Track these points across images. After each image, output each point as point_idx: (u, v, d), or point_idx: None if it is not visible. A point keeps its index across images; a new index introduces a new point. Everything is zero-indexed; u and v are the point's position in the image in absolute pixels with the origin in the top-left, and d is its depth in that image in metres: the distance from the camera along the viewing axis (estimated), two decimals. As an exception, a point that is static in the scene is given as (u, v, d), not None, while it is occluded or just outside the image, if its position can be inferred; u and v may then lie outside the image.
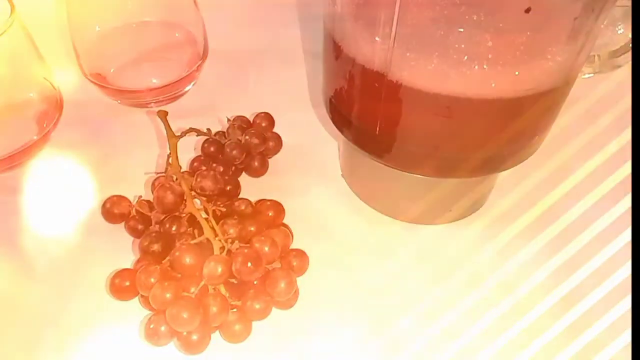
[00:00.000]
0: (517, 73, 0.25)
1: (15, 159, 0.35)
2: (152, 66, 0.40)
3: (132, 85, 0.39)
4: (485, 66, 0.25)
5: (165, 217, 0.30)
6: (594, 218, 0.35)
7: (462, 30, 0.24)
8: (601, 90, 0.43)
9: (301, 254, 0.30)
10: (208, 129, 0.34)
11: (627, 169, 0.40)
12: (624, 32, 0.31)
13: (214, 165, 0.34)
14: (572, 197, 0.36)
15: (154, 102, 0.39)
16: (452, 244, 0.34)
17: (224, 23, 0.47)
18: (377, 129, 0.29)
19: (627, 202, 0.37)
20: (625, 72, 0.40)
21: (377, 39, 0.26)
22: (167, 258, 0.28)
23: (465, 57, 0.24)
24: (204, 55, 0.40)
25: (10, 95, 0.35)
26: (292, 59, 0.45)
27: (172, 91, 0.39)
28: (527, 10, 0.23)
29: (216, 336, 0.28)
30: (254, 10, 0.50)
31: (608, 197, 0.36)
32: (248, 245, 0.28)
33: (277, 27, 0.48)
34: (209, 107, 0.37)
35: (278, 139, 0.36)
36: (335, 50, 0.30)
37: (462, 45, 0.24)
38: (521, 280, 0.31)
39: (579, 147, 0.39)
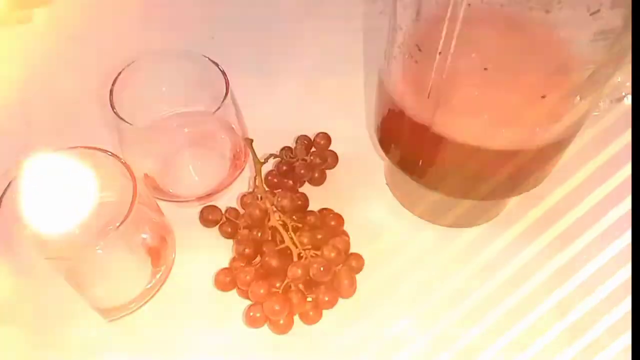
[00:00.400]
0: (537, 129, 0.32)
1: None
2: (196, 169, 0.44)
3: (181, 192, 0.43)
4: (510, 128, 0.32)
5: (253, 226, 0.39)
6: (597, 218, 0.42)
7: (493, 100, 0.31)
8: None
9: (358, 257, 0.38)
10: (281, 152, 0.42)
11: (627, 170, 0.46)
12: (622, 80, 0.37)
13: (285, 180, 0.42)
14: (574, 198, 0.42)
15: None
16: (480, 245, 0.41)
17: (287, 41, 0.54)
18: (420, 162, 0.37)
19: (627, 203, 0.43)
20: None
21: (424, 100, 0.33)
22: (258, 258, 0.38)
23: (496, 121, 0.32)
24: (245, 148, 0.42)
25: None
26: (353, 78, 0.51)
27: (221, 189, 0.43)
28: (543, 97, 0.30)
29: (296, 319, 0.37)
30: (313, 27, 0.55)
31: (610, 198, 0.43)
32: (319, 252, 0.37)
33: (339, 46, 0.54)
34: (280, 126, 0.45)
35: (335, 156, 0.44)
36: (387, 97, 0.37)
37: (494, 112, 0.32)
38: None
39: (580, 147, 0.43)
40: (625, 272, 0.39)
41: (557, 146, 0.35)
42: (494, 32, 0.30)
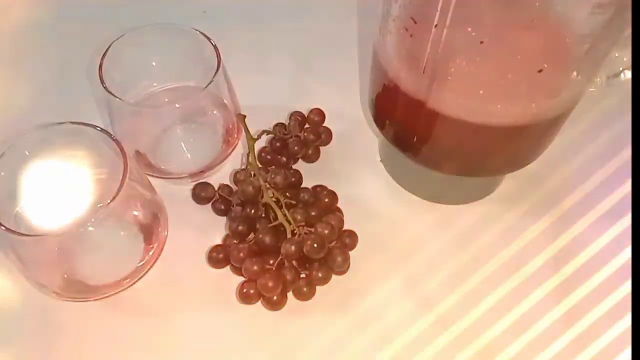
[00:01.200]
0: (533, 105, 0.32)
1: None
2: (188, 146, 0.44)
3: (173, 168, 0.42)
4: (506, 103, 0.32)
5: (246, 203, 0.39)
6: (598, 198, 0.42)
7: (490, 75, 0.31)
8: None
9: (352, 234, 0.38)
10: (274, 128, 0.42)
11: (626, 148, 0.46)
12: (619, 56, 0.37)
13: (279, 157, 0.42)
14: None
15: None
16: (473, 222, 0.41)
17: (281, 16, 0.53)
18: (415, 138, 0.37)
19: (627, 184, 0.43)
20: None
21: (419, 75, 0.33)
22: (251, 235, 0.37)
23: (492, 96, 0.31)
24: (238, 127, 0.42)
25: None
26: (347, 53, 0.50)
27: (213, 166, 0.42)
28: (540, 71, 0.29)
29: (290, 296, 0.37)
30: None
31: (610, 177, 0.43)
32: (313, 229, 0.37)
33: (333, 21, 0.53)
34: (274, 102, 0.45)
35: (329, 132, 0.44)
36: (381, 72, 0.36)
37: (489, 87, 0.31)
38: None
39: (577, 125, 0.45)
40: (626, 254, 0.39)
41: (553, 122, 0.34)
42: (491, 5, 0.29)
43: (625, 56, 0.37)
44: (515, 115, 0.32)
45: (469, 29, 0.29)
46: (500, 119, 0.32)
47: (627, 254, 0.40)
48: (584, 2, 0.27)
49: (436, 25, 0.29)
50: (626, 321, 0.37)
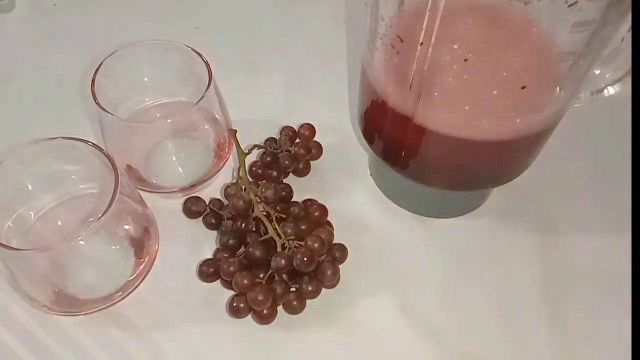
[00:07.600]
0: (518, 120, 0.33)
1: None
2: (180, 160, 0.44)
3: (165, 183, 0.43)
4: (491, 118, 0.32)
5: (237, 217, 0.39)
6: (577, 205, 0.43)
7: (474, 91, 0.32)
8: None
9: (342, 248, 0.39)
10: (265, 143, 0.42)
11: (607, 158, 0.46)
12: (602, 72, 0.38)
13: (269, 171, 0.42)
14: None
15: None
16: (462, 235, 0.42)
17: (271, 32, 0.54)
18: (403, 153, 0.37)
19: (609, 190, 0.44)
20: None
21: (406, 91, 0.33)
22: (242, 249, 0.38)
23: (477, 112, 0.32)
24: (229, 140, 0.42)
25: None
26: (336, 69, 0.51)
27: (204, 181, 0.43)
28: (523, 87, 0.30)
29: (280, 309, 0.37)
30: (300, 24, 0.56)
31: (590, 186, 0.44)
32: (303, 243, 0.37)
33: (323, 37, 0.54)
34: (265, 117, 0.46)
35: (319, 147, 0.44)
36: (369, 88, 0.37)
37: (475, 103, 0.32)
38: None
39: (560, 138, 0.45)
40: (620, 265, 0.40)
41: (538, 136, 0.35)
42: (475, 23, 0.30)
43: (607, 73, 0.38)
44: (500, 131, 0.33)
45: (454, 47, 0.30)
46: (486, 134, 0.33)
47: (620, 264, 0.40)
48: (565, 20, 0.28)
49: (422, 43, 0.29)
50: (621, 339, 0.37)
